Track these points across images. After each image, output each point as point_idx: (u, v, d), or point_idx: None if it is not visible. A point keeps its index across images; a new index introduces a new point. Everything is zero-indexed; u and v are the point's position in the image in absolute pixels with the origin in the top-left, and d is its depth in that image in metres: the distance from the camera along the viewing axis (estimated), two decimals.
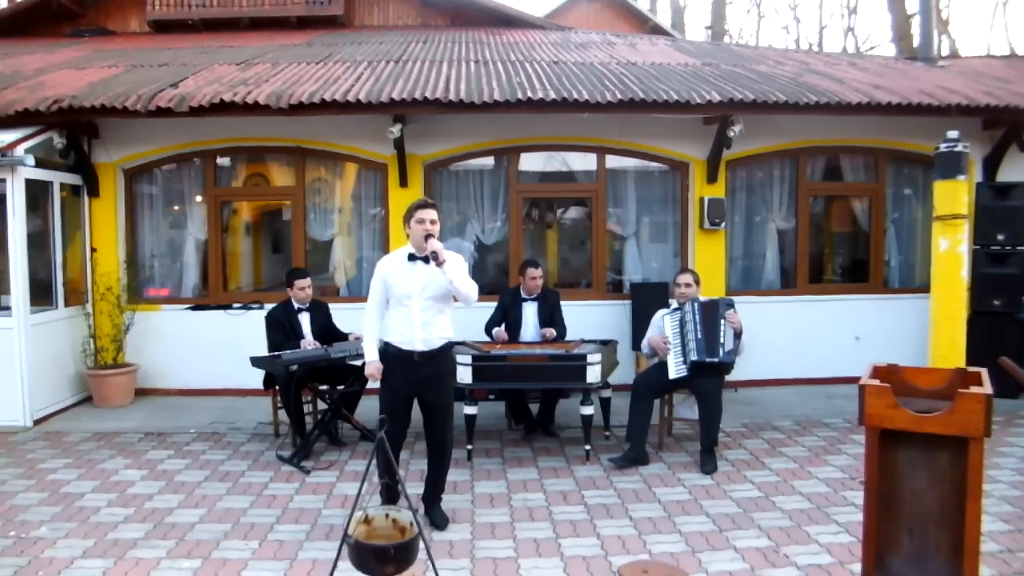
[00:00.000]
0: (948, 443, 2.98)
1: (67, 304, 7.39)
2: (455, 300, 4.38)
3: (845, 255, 9.09)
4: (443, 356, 4.46)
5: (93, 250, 7.72)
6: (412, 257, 4.32)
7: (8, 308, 6.69)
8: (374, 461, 3.20)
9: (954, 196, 6.19)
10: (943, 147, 6.19)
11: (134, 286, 7.80)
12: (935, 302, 6.34)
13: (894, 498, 3.12)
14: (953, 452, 2.99)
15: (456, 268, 4.22)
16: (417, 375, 4.35)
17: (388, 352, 4.41)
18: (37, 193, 7.00)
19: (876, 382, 3.02)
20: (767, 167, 8.33)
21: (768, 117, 7.49)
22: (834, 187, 8.55)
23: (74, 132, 7.22)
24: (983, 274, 7.60)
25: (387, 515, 3.24)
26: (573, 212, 9.12)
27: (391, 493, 3.93)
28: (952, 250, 6.19)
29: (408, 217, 4.34)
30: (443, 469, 4.59)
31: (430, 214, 4.26)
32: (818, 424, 6.73)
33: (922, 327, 8.22)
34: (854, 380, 7.96)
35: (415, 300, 4.29)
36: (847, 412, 7.06)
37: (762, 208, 8.42)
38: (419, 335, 4.31)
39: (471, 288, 4.27)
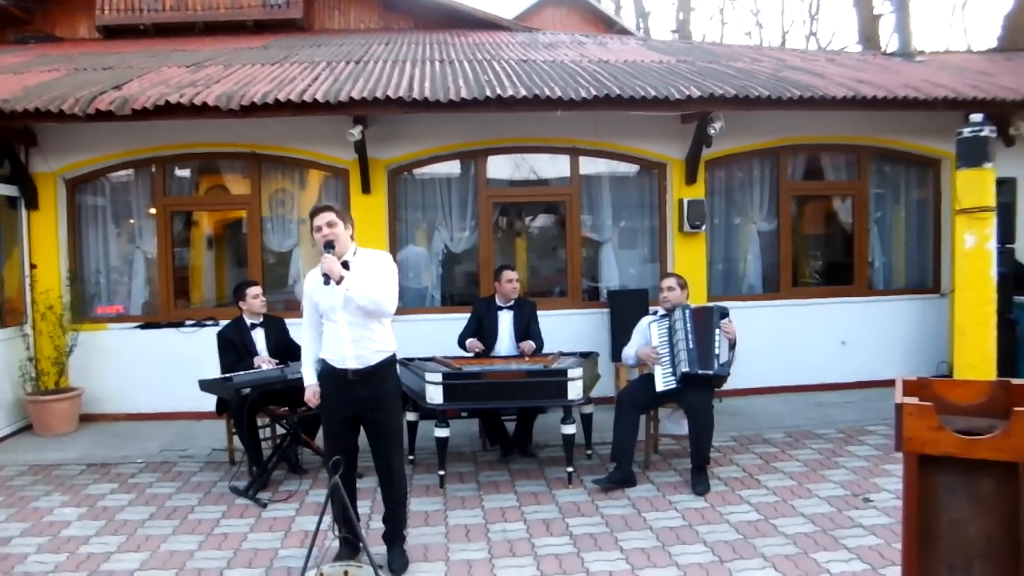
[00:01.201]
0: (992, 468, 2.59)
1: (3, 325, 6.85)
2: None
3: (828, 257, 8.80)
4: (382, 373, 3.98)
5: (32, 266, 7.16)
6: (326, 276, 3.85)
7: None
8: (328, 511, 2.73)
9: (980, 186, 5.64)
10: (967, 132, 5.63)
11: (78, 304, 7.24)
12: (960, 305, 5.81)
13: (930, 530, 2.73)
14: (998, 478, 2.61)
15: (364, 278, 3.80)
16: (354, 395, 3.92)
17: (324, 371, 4.03)
18: None
19: (915, 400, 2.61)
20: (747, 167, 8.02)
21: (747, 115, 7.18)
22: (816, 186, 8.27)
23: (8, 140, 6.68)
24: None
25: (345, 572, 2.78)
26: (545, 217, 8.73)
27: (351, 543, 3.48)
28: (980, 246, 5.65)
29: (310, 229, 3.95)
30: (397, 500, 4.09)
31: (324, 218, 3.85)
32: (810, 435, 6.38)
33: (909, 330, 8.00)
34: (842, 387, 7.75)
35: (341, 315, 3.86)
36: (839, 421, 6.75)
37: (742, 209, 8.11)
38: (350, 352, 3.89)
39: (382, 299, 3.80)
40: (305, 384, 4.13)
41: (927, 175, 8.29)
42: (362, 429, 4.06)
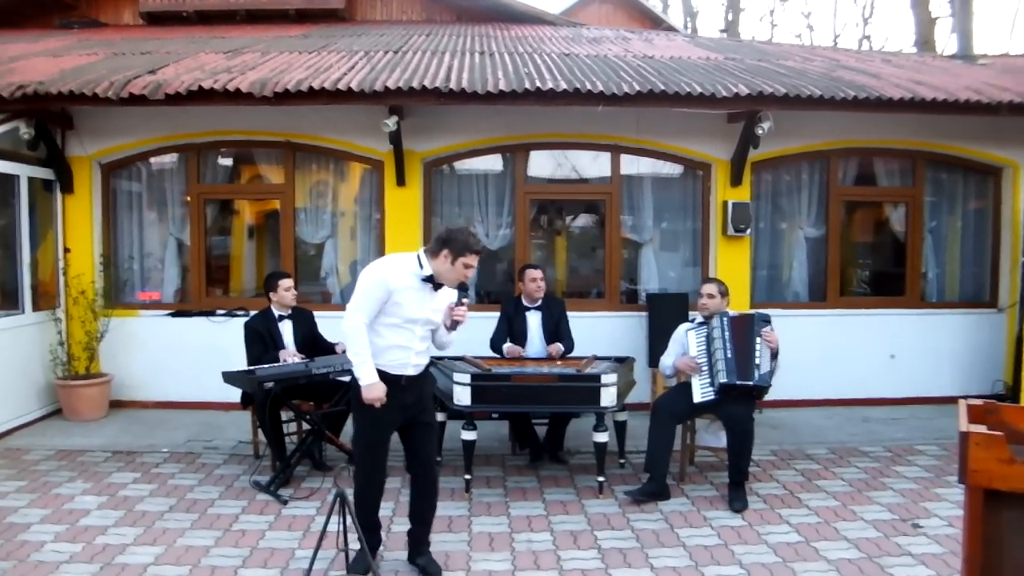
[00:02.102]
0: None
1: (36, 308, 6.80)
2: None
3: (879, 266, 8.43)
4: (426, 376, 3.97)
5: (66, 250, 7.13)
6: (429, 280, 3.72)
7: None
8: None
9: None
10: None
11: (110, 290, 7.20)
12: None
13: (990, 571, 2.47)
14: None
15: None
16: (403, 400, 3.79)
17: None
18: (2, 188, 6.42)
19: (982, 429, 2.35)
20: (795, 170, 7.70)
21: (795, 115, 6.86)
22: (868, 192, 7.90)
23: (44, 122, 6.64)
24: None
25: None
26: (586, 216, 8.50)
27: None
28: None
29: (455, 250, 3.65)
30: (433, 503, 4.00)
31: (476, 261, 3.76)
32: (856, 453, 6.08)
33: (963, 346, 7.62)
34: (890, 402, 7.39)
35: (419, 327, 3.79)
36: (886, 439, 6.44)
37: (789, 214, 7.79)
38: (414, 360, 3.83)
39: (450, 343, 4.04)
40: (369, 382, 3.65)
41: (987, 184, 7.89)
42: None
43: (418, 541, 3.96)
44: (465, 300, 3.81)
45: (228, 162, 7.69)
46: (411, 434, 3.91)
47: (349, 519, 3.46)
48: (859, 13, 30.00)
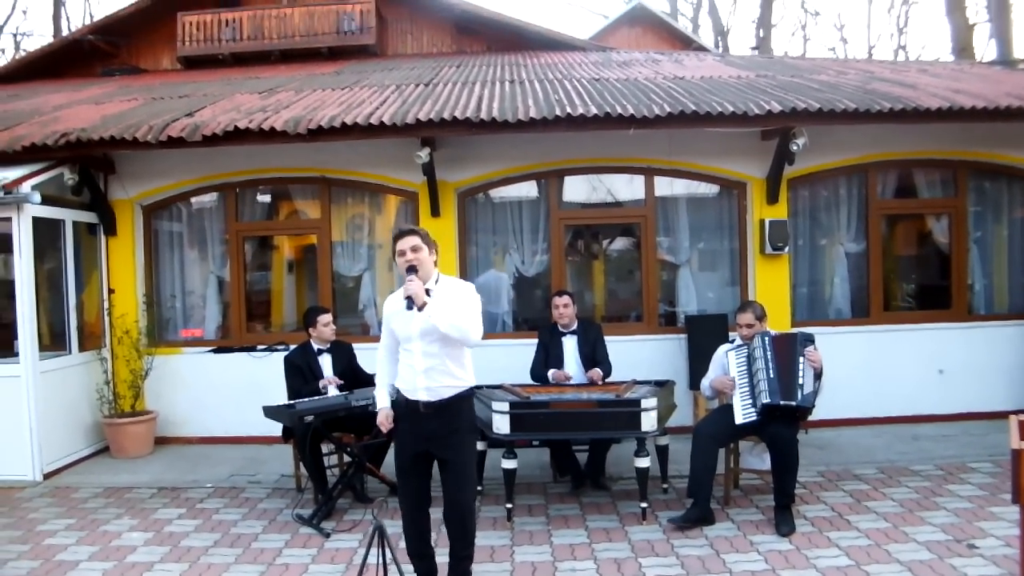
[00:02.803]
0: None
1: (82, 349, 6.97)
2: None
3: (923, 279, 8.23)
4: (455, 408, 3.78)
5: (111, 291, 7.32)
6: (407, 305, 3.69)
7: (17, 354, 6.27)
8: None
9: None
10: None
11: (153, 328, 7.36)
12: None
13: None
14: None
15: (448, 305, 3.64)
16: (424, 429, 3.75)
17: (397, 401, 3.90)
18: (49, 232, 6.62)
19: None
20: (832, 185, 7.59)
21: (832, 130, 6.78)
22: (909, 204, 7.74)
23: (87, 167, 6.85)
24: None
25: None
26: (622, 240, 8.46)
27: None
28: None
29: (392, 252, 3.82)
30: (466, 541, 3.88)
31: (408, 242, 3.71)
32: (905, 472, 5.89)
33: (1014, 359, 7.38)
34: (940, 419, 7.18)
35: (417, 344, 3.72)
36: (937, 457, 6.24)
37: (828, 230, 7.67)
38: (422, 383, 3.73)
39: (467, 327, 3.65)
40: (378, 407, 3.96)
41: None
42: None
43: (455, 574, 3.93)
44: (412, 278, 3.61)
45: (265, 199, 7.85)
46: (441, 470, 3.85)
47: (389, 552, 3.43)
48: (893, 24, 29.65)
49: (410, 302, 3.60)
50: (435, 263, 3.83)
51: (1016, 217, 7.77)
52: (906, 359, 7.32)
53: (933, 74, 8.48)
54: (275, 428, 5.76)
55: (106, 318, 7.25)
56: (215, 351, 7.41)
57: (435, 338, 3.67)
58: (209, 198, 7.66)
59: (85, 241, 7.14)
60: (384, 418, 3.91)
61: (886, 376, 7.27)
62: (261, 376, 7.09)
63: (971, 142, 7.30)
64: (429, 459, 3.84)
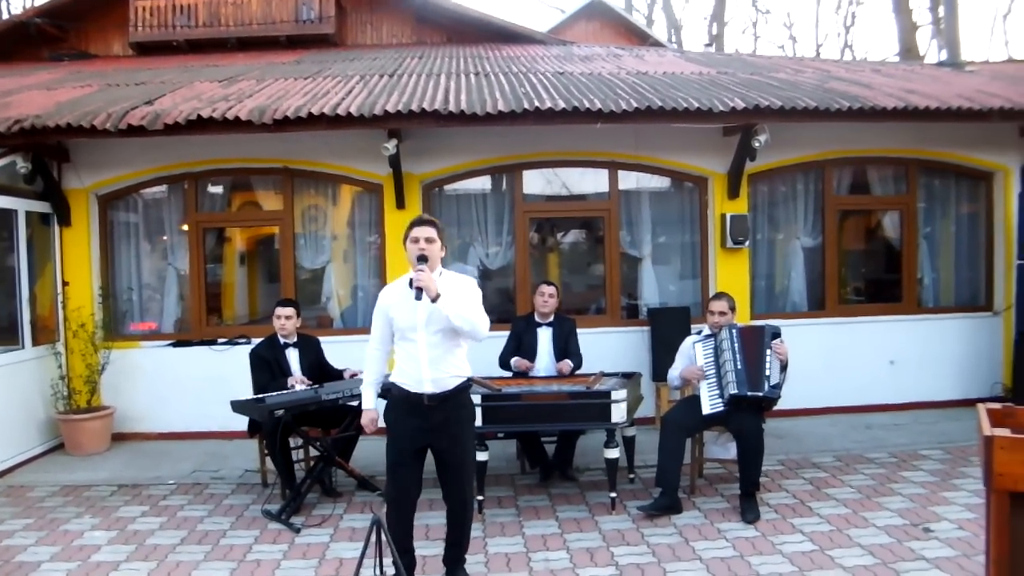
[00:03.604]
0: None
1: (35, 343, 6.76)
2: None
3: (875, 273, 8.49)
4: (458, 399, 3.81)
5: (65, 283, 7.10)
6: (416, 296, 3.67)
7: None
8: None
9: None
10: None
11: (110, 322, 7.17)
12: None
13: (1016, 572, 2.49)
14: None
15: (458, 299, 3.63)
16: (428, 422, 3.73)
17: (394, 395, 3.82)
18: (0, 222, 6.40)
19: (1006, 432, 2.38)
20: (791, 180, 7.77)
21: (791, 127, 6.94)
22: (863, 200, 7.99)
23: (41, 156, 6.63)
24: None
25: None
26: (579, 232, 8.54)
27: None
28: None
29: (404, 238, 3.76)
30: (466, 529, 3.96)
31: (424, 231, 3.67)
32: (861, 460, 6.10)
33: (961, 350, 7.68)
34: (892, 408, 7.43)
35: (421, 334, 3.68)
36: (890, 445, 6.47)
37: (786, 224, 7.85)
38: (428, 375, 3.70)
39: (478, 321, 3.66)
40: (364, 407, 3.88)
41: (978, 189, 7.97)
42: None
43: (451, 561, 3.99)
44: (422, 268, 3.57)
45: (226, 190, 7.68)
46: (439, 461, 3.84)
47: (384, 545, 3.41)
48: (840, 23, 30.34)
49: (419, 292, 3.56)
50: (441, 258, 3.80)
51: (963, 213, 8.07)
52: (859, 351, 7.55)
53: (886, 74, 8.72)
54: (237, 422, 5.69)
55: (60, 311, 7.04)
56: (174, 345, 7.26)
57: (440, 328, 3.65)
58: (168, 188, 7.48)
59: (38, 232, 6.91)
60: (370, 421, 3.84)
61: (841, 367, 7.49)
62: (222, 370, 6.99)
63: (922, 141, 7.54)
64: (424, 452, 3.82)
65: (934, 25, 17.17)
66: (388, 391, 3.90)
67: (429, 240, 3.66)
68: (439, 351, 3.71)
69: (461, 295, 3.68)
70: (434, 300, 3.53)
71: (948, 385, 7.62)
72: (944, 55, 10.06)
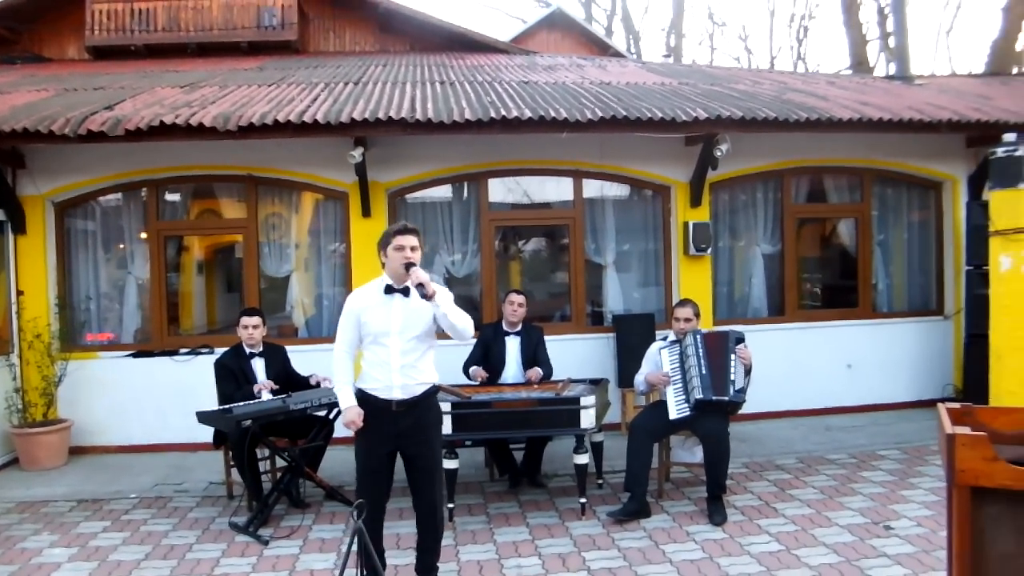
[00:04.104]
0: None
1: None
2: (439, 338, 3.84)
3: (833, 279, 8.71)
4: (426, 404, 3.85)
5: (20, 293, 6.91)
6: (390, 290, 3.73)
7: None
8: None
9: (1015, 207, 5.52)
10: (1000, 152, 5.54)
11: (67, 332, 7.00)
12: (996, 330, 5.67)
13: (976, 564, 2.59)
14: None
15: (446, 300, 3.68)
16: (396, 428, 3.75)
17: (362, 402, 3.81)
18: None
19: (967, 430, 2.47)
20: (750, 189, 7.94)
21: (750, 137, 7.10)
22: (820, 209, 8.20)
23: None
24: (978, 295, 7.23)
25: None
26: (543, 240, 8.60)
27: None
28: (1016, 269, 5.55)
29: (384, 244, 3.78)
30: (437, 536, 3.97)
31: (411, 240, 3.70)
32: (822, 461, 6.24)
33: (914, 353, 7.91)
34: (850, 410, 7.63)
35: (394, 339, 3.71)
36: (849, 446, 6.64)
37: (747, 232, 8.02)
38: (398, 380, 3.73)
39: (467, 321, 3.72)
40: (344, 406, 3.81)
41: (929, 197, 8.24)
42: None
43: (424, 569, 3.99)
44: (413, 267, 3.62)
45: (188, 198, 7.55)
46: (408, 467, 3.87)
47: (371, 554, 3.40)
48: (793, 35, 31.06)
49: (421, 289, 3.57)
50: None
51: (914, 221, 8.32)
52: (818, 355, 7.73)
53: (841, 87, 8.97)
54: (201, 434, 5.60)
55: (15, 321, 6.86)
56: (135, 355, 7.12)
57: (415, 333, 3.71)
58: (127, 196, 7.34)
59: None
60: (356, 416, 3.77)
61: (800, 371, 7.66)
62: (185, 380, 6.88)
63: (876, 151, 7.77)
64: (394, 458, 3.85)
65: (882, 39, 17.70)
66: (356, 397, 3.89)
67: (414, 248, 3.71)
68: (411, 357, 3.75)
69: (446, 297, 3.72)
70: (430, 298, 3.57)
71: (903, 387, 7.84)
72: (893, 69, 10.35)
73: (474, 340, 5.39)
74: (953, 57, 35.08)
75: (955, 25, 40.16)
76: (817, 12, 38.30)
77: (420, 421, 3.81)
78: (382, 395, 3.74)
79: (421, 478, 3.85)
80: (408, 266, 3.63)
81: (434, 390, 3.92)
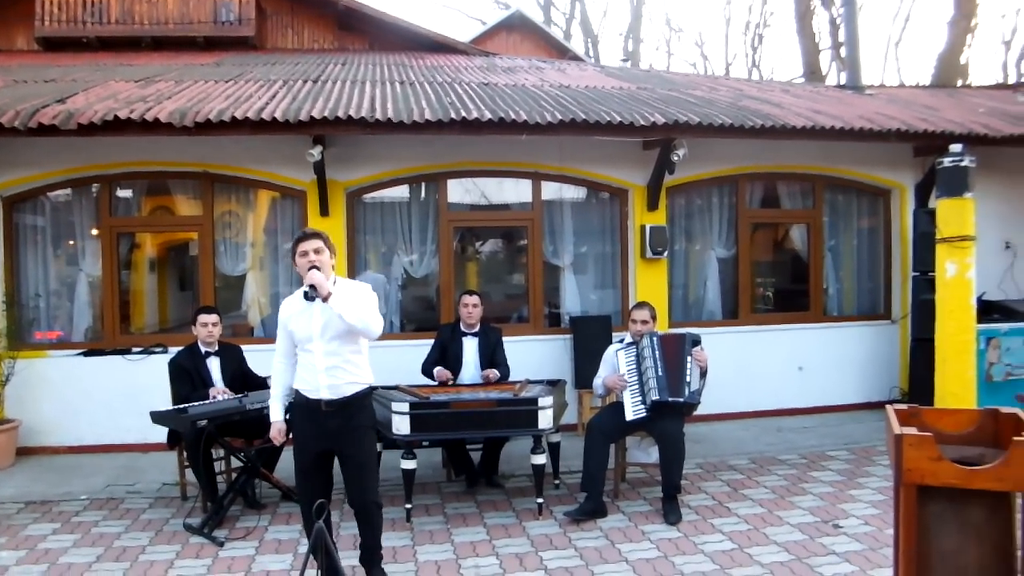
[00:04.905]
0: (982, 497, 2.58)
1: None
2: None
3: (784, 283, 8.90)
4: (356, 405, 3.92)
5: None
6: (308, 296, 3.78)
7: None
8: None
9: (961, 215, 5.70)
10: (947, 162, 5.70)
11: (14, 330, 6.82)
12: (941, 334, 5.85)
13: (922, 560, 2.69)
14: (989, 507, 2.60)
15: (349, 299, 3.76)
16: (326, 428, 3.84)
17: (296, 402, 3.95)
18: None
19: (914, 431, 2.57)
20: (706, 194, 8.08)
21: (706, 142, 7.23)
22: (773, 214, 8.39)
23: None
24: (923, 300, 7.46)
25: None
26: (501, 241, 8.63)
27: None
28: (961, 275, 5.73)
29: (292, 253, 3.90)
30: (374, 530, 4.04)
31: (312, 244, 3.81)
32: (774, 461, 6.39)
33: (863, 356, 8.13)
34: (800, 411, 7.82)
35: (317, 343, 3.81)
36: (800, 447, 6.79)
37: (702, 236, 8.15)
38: (324, 381, 3.82)
39: (369, 320, 3.79)
40: (271, 420, 4.01)
41: (878, 204, 8.48)
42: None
43: (368, 561, 4.09)
44: (310, 270, 3.73)
45: (142, 194, 7.40)
46: (342, 466, 3.95)
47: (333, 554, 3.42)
48: (748, 43, 31.58)
49: (313, 291, 3.68)
50: (332, 266, 3.92)
51: (863, 227, 8.56)
52: (770, 357, 7.90)
53: (795, 95, 9.18)
54: (154, 434, 5.53)
55: None
56: (85, 354, 6.97)
57: (335, 335, 3.79)
58: (78, 191, 7.18)
59: None
60: (278, 432, 3.99)
61: (753, 373, 7.82)
62: (137, 380, 6.76)
63: (828, 159, 7.97)
64: (330, 458, 3.93)
65: (834, 49, 18.13)
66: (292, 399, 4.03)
67: (318, 251, 3.80)
68: (336, 359, 3.83)
69: (354, 296, 3.81)
70: (325, 299, 3.67)
71: (851, 389, 8.06)
72: (845, 78, 10.62)
73: (415, 342, 5.41)
74: (902, 68, 36.08)
75: (904, 37, 41.26)
76: (772, 20, 38.97)
77: (350, 421, 3.88)
78: (312, 396, 3.85)
79: (352, 475, 3.94)
80: (311, 269, 3.74)
81: (367, 391, 3.98)
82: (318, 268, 3.75)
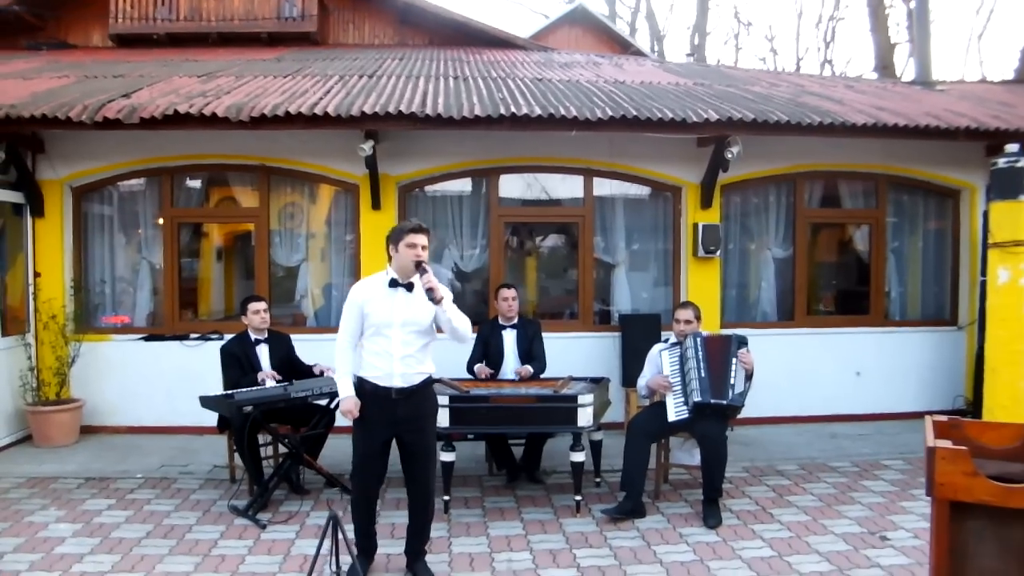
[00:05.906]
0: None
1: (5, 333, 6.72)
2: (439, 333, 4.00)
3: (844, 285, 8.64)
4: (423, 394, 4.01)
5: (36, 274, 7.06)
6: (394, 283, 3.88)
7: None
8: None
9: (1015, 219, 5.50)
10: (1002, 163, 5.51)
11: (81, 314, 7.14)
12: (991, 343, 5.65)
13: None
14: None
15: (451, 303, 3.87)
16: (395, 415, 3.90)
17: (363, 389, 3.95)
18: None
19: (948, 444, 2.47)
20: (763, 192, 7.90)
21: (763, 140, 7.05)
22: (833, 214, 8.13)
23: (15, 145, 6.58)
24: None
25: None
26: (556, 237, 8.61)
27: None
28: (1014, 282, 5.55)
29: (396, 239, 3.93)
30: (427, 519, 4.12)
31: (422, 239, 3.89)
32: (824, 468, 6.21)
33: (925, 363, 7.84)
34: (856, 418, 7.58)
35: (396, 331, 3.88)
36: (853, 454, 6.59)
37: (757, 235, 7.98)
38: (398, 370, 3.89)
39: (466, 324, 3.93)
40: (343, 395, 3.96)
41: (946, 205, 8.14)
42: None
43: (413, 552, 4.12)
44: (426, 271, 3.82)
45: (202, 185, 7.66)
46: (404, 453, 4.02)
47: (341, 541, 3.49)
48: (821, 37, 30.74)
49: (430, 294, 3.76)
50: None
51: (930, 229, 8.24)
52: (826, 361, 7.68)
53: (858, 91, 8.89)
54: (207, 418, 5.69)
55: (31, 302, 7.00)
56: (146, 339, 7.24)
57: (415, 329, 3.89)
58: (143, 182, 7.45)
59: (10, 222, 6.88)
60: (353, 405, 3.91)
61: (807, 377, 7.61)
62: (194, 365, 6.98)
63: (892, 157, 7.69)
64: (389, 445, 4.03)
65: (911, 43, 17.47)
66: (356, 386, 4.01)
67: (424, 247, 3.89)
68: (411, 348, 3.91)
69: (450, 301, 3.92)
70: (438, 302, 3.76)
71: (912, 397, 7.77)
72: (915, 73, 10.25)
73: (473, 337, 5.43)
74: (984, 62, 34.51)
75: (987, 30, 39.49)
76: (846, 14, 37.73)
77: (418, 410, 3.97)
78: (382, 383, 3.89)
79: (415, 464, 4.01)
80: (419, 264, 3.81)
81: (431, 381, 4.07)
82: (425, 264, 3.84)
